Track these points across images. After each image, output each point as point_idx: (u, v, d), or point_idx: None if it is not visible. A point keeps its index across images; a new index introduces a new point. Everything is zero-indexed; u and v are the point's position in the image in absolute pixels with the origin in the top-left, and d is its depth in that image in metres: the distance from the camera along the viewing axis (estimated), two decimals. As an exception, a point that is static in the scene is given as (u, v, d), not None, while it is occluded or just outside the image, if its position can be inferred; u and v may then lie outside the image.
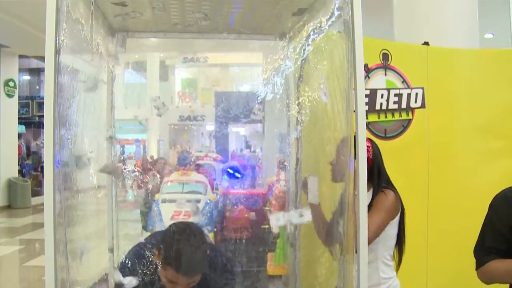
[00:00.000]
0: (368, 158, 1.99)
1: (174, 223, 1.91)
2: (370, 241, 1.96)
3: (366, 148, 1.53)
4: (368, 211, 1.97)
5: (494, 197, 1.86)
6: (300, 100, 1.97)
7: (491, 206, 1.85)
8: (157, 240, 1.90)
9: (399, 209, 2.09)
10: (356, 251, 1.52)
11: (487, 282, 1.83)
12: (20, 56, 13.13)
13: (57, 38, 1.45)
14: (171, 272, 1.73)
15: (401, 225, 2.13)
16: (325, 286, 2.05)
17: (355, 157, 1.54)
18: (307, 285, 2.31)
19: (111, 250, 2.27)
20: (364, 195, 1.51)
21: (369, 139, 2.12)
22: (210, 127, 11.17)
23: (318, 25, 1.77)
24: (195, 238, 1.81)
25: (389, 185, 2.12)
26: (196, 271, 1.76)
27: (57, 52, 1.46)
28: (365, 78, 2.81)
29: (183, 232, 1.83)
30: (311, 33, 1.83)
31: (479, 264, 1.81)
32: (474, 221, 1.99)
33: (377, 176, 2.09)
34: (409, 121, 2.98)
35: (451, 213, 2.97)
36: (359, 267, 1.49)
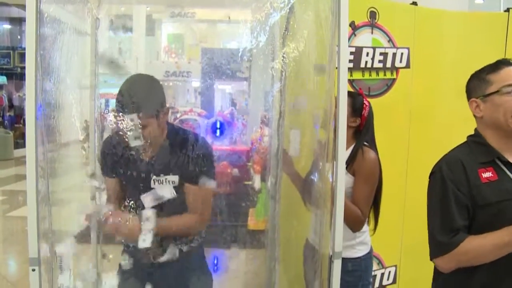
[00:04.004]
0: (362, 115, 2.16)
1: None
2: (366, 216, 2.08)
3: (346, 106, 1.53)
4: (347, 166, 2.05)
5: (443, 167, 1.63)
6: (284, 50, 1.97)
7: (445, 177, 1.60)
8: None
9: (379, 172, 2.15)
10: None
11: (462, 265, 1.58)
12: (0, 4, 12.70)
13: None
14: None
15: (378, 187, 2.18)
16: (301, 236, 2.11)
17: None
18: (285, 236, 2.37)
19: (93, 198, 2.29)
20: (343, 153, 1.52)
21: (368, 101, 2.23)
22: (196, 83, 11.05)
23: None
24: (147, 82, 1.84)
25: (372, 145, 2.18)
26: (145, 108, 1.73)
27: (39, -2, 1.42)
28: (351, 35, 2.80)
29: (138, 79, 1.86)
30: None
31: (449, 247, 1.56)
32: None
33: (364, 133, 2.16)
34: (393, 80, 3.00)
35: (429, 173, 3.03)
36: (335, 220, 1.53)
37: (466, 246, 1.53)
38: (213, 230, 2.25)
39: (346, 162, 2.07)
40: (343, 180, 1.51)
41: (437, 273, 1.72)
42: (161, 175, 1.84)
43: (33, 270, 1.45)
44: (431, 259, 1.65)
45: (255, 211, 4.42)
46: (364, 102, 2.21)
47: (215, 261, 2.17)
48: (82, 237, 2.32)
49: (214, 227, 2.24)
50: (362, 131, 2.18)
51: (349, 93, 2.15)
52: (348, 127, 2.08)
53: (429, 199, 1.70)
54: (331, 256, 1.51)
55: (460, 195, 1.57)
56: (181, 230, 1.91)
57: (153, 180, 1.84)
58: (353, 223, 2.06)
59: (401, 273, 3.16)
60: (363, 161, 2.08)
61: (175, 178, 1.84)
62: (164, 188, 1.84)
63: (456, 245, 1.54)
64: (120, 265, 1.99)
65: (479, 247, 1.53)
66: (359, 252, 2.16)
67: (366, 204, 2.08)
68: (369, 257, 2.21)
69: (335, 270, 1.50)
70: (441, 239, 1.58)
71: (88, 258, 2.35)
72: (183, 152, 1.87)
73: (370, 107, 2.23)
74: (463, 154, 1.65)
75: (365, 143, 2.16)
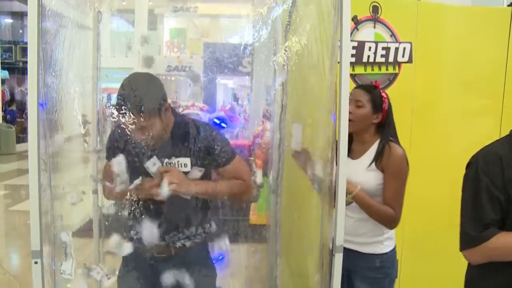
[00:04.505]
0: (383, 109, 2.13)
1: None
2: (399, 212, 2.06)
3: (348, 100, 1.52)
4: (374, 162, 2.06)
5: (479, 159, 1.58)
6: (287, 44, 1.97)
7: (479, 170, 1.55)
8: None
9: (408, 167, 2.10)
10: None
11: (490, 260, 1.55)
12: (2, -2, 12.68)
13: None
14: (128, 115, 1.72)
15: None
16: (303, 230, 2.11)
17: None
18: (287, 230, 2.38)
19: (95, 191, 2.30)
20: (345, 148, 1.51)
21: (384, 92, 2.20)
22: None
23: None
24: (147, 80, 1.81)
25: (395, 139, 2.15)
26: (147, 106, 1.71)
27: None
28: (354, 29, 2.80)
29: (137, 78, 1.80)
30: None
31: (478, 241, 1.52)
32: (452, 176, 2.03)
33: (390, 130, 2.13)
34: (396, 75, 2.99)
35: (431, 168, 3.04)
36: (337, 214, 1.54)
37: (495, 242, 1.49)
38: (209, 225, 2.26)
39: (374, 159, 2.07)
40: (345, 174, 1.51)
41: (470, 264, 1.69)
42: (173, 157, 1.86)
43: (36, 262, 1.46)
44: (460, 250, 1.61)
45: (257, 206, 4.42)
46: (382, 94, 2.16)
47: (220, 257, 2.18)
48: (84, 232, 2.33)
49: (215, 222, 2.24)
50: (384, 125, 2.14)
51: (365, 88, 2.15)
52: (371, 124, 2.11)
53: (463, 190, 1.64)
54: (332, 249, 1.51)
55: (494, 189, 1.51)
56: (233, 195, 1.93)
57: (165, 163, 1.85)
58: (387, 223, 2.06)
59: (402, 267, 3.16)
60: (391, 157, 2.05)
61: (187, 161, 1.85)
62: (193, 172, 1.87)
63: (485, 239, 1.50)
64: (123, 258, 2.00)
65: (509, 245, 1.49)
66: (386, 247, 2.14)
67: (399, 201, 2.05)
68: (394, 252, 2.19)
69: (336, 264, 1.50)
70: (470, 232, 1.54)
71: (90, 251, 2.36)
72: (192, 141, 1.88)
73: (389, 100, 2.19)
74: (502, 147, 1.58)
75: (390, 137, 2.13)
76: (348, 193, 1.97)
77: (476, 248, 1.53)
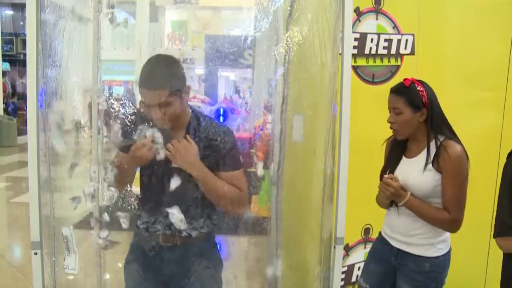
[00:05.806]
0: (424, 103, 1.98)
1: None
2: (457, 215, 1.94)
3: (349, 93, 1.50)
4: (431, 163, 1.95)
5: None
6: (288, 35, 1.95)
7: None
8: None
9: (469, 163, 1.97)
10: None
11: None
12: (3, -10, 12.65)
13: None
14: (141, 90, 1.71)
15: None
16: (304, 223, 2.10)
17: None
18: (288, 223, 2.37)
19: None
20: (346, 139, 1.50)
21: (420, 82, 2.05)
22: (200, 70, 11.03)
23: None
24: (165, 61, 1.79)
25: (453, 135, 2.01)
26: (159, 84, 1.69)
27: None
28: (356, 21, 2.78)
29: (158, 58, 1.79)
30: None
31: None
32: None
33: (438, 124, 1.99)
34: (398, 67, 2.98)
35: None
36: (337, 207, 1.53)
37: None
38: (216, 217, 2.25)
39: (430, 160, 1.96)
40: (346, 168, 1.50)
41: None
42: None
43: (35, 253, 1.46)
44: (494, 237, 1.61)
45: (258, 198, 4.42)
46: (418, 89, 2.01)
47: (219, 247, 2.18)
48: (86, 224, 2.33)
49: (216, 214, 2.24)
50: (433, 119, 1.99)
51: (397, 91, 2.03)
52: (418, 123, 2.00)
53: (502, 178, 1.64)
54: (331, 240, 1.50)
55: None
56: (225, 196, 1.84)
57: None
58: (444, 227, 1.98)
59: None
60: (448, 157, 1.91)
61: None
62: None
63: None
64: (131, 246, 2.00)
65: None
66: (439, 251, 2.03)
67: (457, 202, 1.93)
68: (448, 256, 2.06)
69: (337, 256, 1.50)
70: (508, 221, 1.52)
71: (91, 244, 2.35)
72: (205, 140, 1.85)
73: (428, 89, 2.03)
74: None
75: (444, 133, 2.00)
76: (399, 200, 1.96)
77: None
